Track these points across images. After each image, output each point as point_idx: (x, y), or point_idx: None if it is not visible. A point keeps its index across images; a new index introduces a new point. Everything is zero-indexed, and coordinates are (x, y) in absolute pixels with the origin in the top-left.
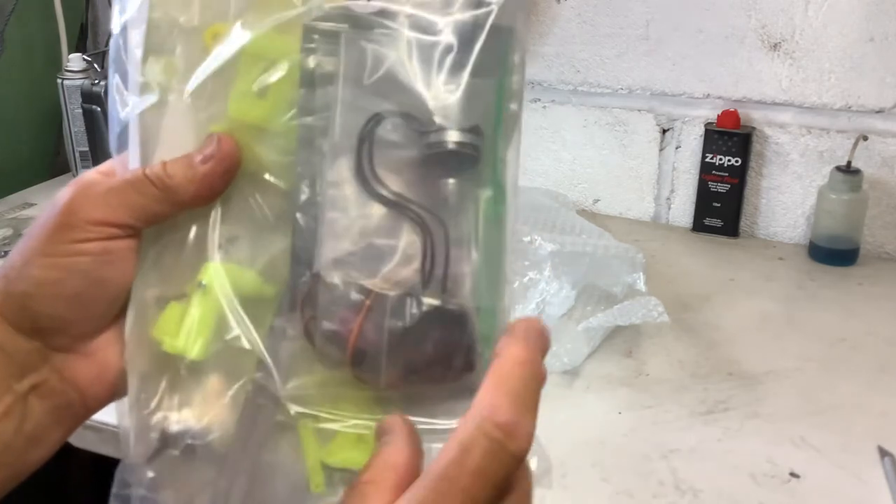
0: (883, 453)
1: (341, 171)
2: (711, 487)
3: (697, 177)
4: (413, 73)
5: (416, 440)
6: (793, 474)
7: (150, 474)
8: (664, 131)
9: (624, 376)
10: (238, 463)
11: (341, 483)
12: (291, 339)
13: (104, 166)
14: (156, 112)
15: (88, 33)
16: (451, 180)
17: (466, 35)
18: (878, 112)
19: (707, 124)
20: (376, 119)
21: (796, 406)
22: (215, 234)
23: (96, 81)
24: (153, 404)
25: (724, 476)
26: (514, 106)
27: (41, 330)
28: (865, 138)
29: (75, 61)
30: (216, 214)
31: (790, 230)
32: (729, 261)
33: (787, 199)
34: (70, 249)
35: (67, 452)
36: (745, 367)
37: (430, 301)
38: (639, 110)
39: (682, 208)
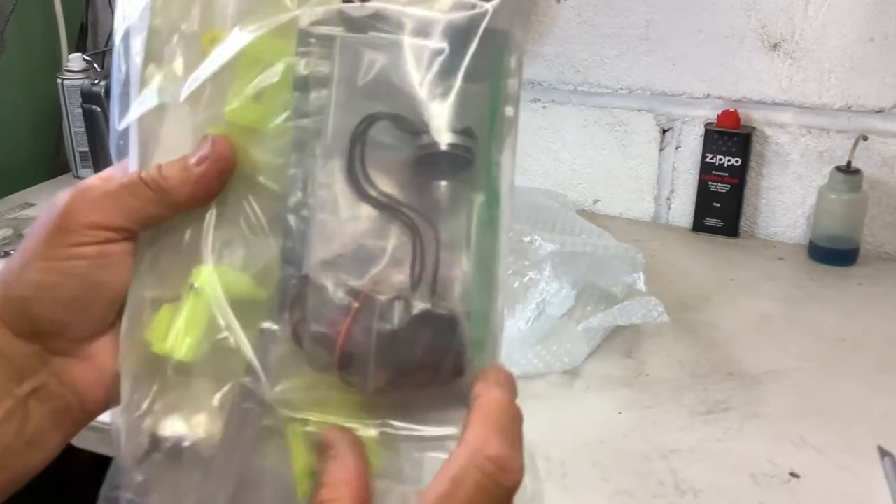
0: (883, 453)
1: (333, 173)
2: (711, 487)
3: (697, 177)
4: (407, 76)
5: (359, 448)
6: (793, 474)
7: (140, 477)
8: (664, 131)
9: (624, 376)
10: (225, 467)
11: None
12: (280, 341)
13: (105, 172)
14: (155, 117)
15: (88, 33)
16: (444, 183)
17: (460, 38)
18: (878, 112)
19: (707, 124)
20: (368, 120)
21: (796, 406)
22: (209, 238)
23: (96, 81)
24: (144, 406)
25: (724, 476)
26: (510, 109)
27: (40, 334)
28: (865, 138)
29: (75, 61)
30: (211, 217)
31: (790, 230)
32: (729, 261)
33: (787, 199)
34: (67, 253)
35: (68, 452)
36: (745, 367)
37: (418, 304)
38: (639, 110)
39: (682, 208)
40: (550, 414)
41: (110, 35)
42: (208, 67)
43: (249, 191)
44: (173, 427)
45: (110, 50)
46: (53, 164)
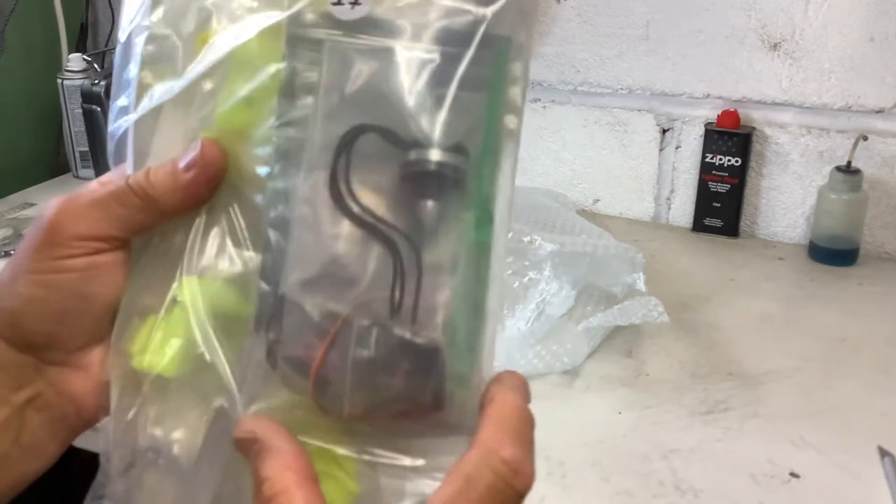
0: (883, 453)
1: (315, 187)
2: (711, 487)
3: (697, 177)
4: (397, 85)
5: (284, 431)
6: (793, 474)
7: (123, 487)
8: (664, 131)
9: (624, 376)
10: (202, 484)
11: None
12: (258, 361)
13: (105, 177)
14: (150, 119)
15: (88, 33)
16: (430, 203)
17: (456, 44)
18: (878, 112)
19: (707, 124)
20: (354, 132)
21: (796, 406)
22: (196, 247)
23: (96, 81)
24: (130, 416)
25: (724, 476)
26: (512, 120)
27: (32, 345)
28: (865, 138)
29: (75, 61)
30: (200, 224)
31: (790, 230)
32: (729, 261)
33: (787, 199)
34: (55, 266)
35: (69, 452)
36: (745, 367)
37: (397, 332)
38: (639, 110)
39: (682, 208)
40: (550, 414)
41: (110, 35)
42: (198, 67)
43: (235, 199)
44: (156, 438)
45: (110, 50)
46: (53, 164)
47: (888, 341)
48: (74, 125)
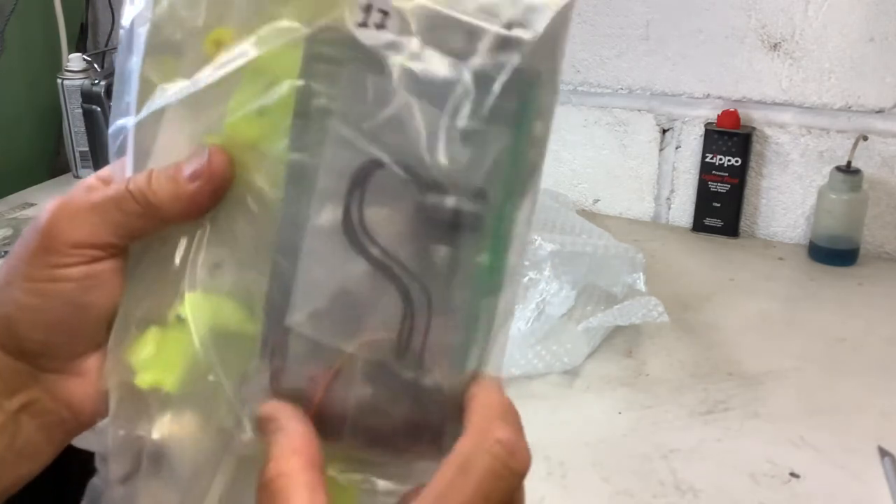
0: (883, 453)
1: (327, 218)
2: (711, 487)
3: (697, 177)
4: (419, 118)
5: (302, 417)
6: (793, 474)
7: (121, 495)
8: (664, 131)
9: (624, 376)
10: (203, 495)
11: None
12: (263, 387)
13: (103, 172)
14: (154, 118)
15: (88, 33)
16: (444, 247)
17: (484, 79)
18: (878, 112)
19: (707, 124)
20: (371, 166)
21: (796, 406)
22: (199, 258)
23: (96, 81)
24: (130, 425)
25: (724, 476)
26: (535, 157)
27: (27, 352)
28: (865, 138)
29: (75, 61)
30: (203, 234)
31: (790, 230)
32: (729, 261)
33: (787, 199)
34: (51, 275)
35: (68, 451)
36: (745, 367)
37: (402, 374)
38: (639, 110)
39: (682, 208)
40: (550, 414)
41: (110, 35)
42: (211, 74)
43: (243, 213)
44: (156, 447)
45: (110, 50)
46: (53, 164)
47: (888, 341)
48: (74, 125)
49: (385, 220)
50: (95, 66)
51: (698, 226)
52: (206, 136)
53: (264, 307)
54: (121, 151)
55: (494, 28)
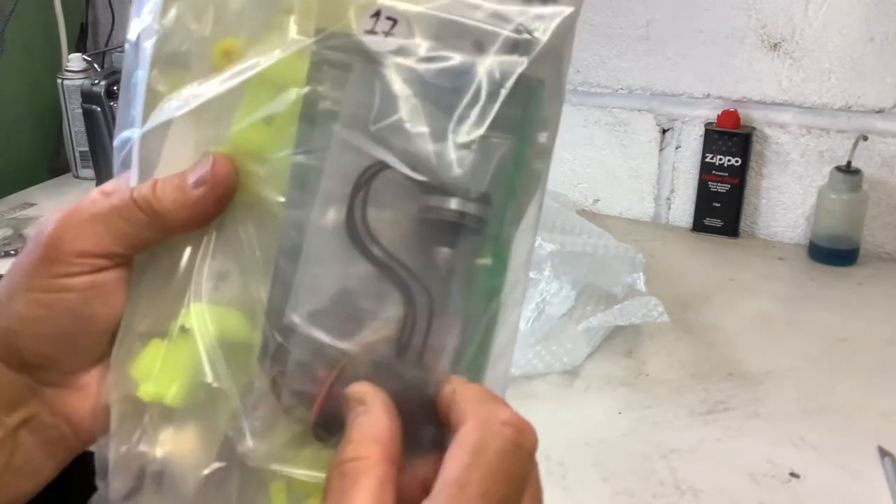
0: (883, 453)
1: (331, 219)
2: (711, 487)
3: (697, 177)
4: (424, 122)
5: (392, 408)
6: (793, 474)
7: None
8: (664, 131)
9: (624, 376)
10: None
11: None
12: (266, 392)
13: (108, 186)
14: (160, 129)
15: (88, 33)
16: (446, 250)
17: (489, 86)
18: (878, 112)
19: (707, 124)
20: (375, 168)
21: (796, 406)
22: (205, 268)
23: (96, 81)
24: (132, 441)
25: (724, 476)
26: (540, 164)
27: (28, 365)
28: (865, 138)
29: (75, 61)
30: (209, 244)
31: (790, 230)
32: (729, 261)
33: (787, 199)
34: (54, 285)
35: (69, 466)
36: (745, 367)
37: (403, 373)
38: (639, 110)
39: (682, 208)
40: (550, 414)
41: (110, 35)
42: (219, 86)
43: (249, 222)
44: (159, 463)
45: (110, 50)
46: (53, 164)
47: (888, 341)
48: (74, 125)
49: (388, 222)
50: (95, 66)
51: (698, 226)
52: (212, 146)
53: (266, 309)
54: (126, 164)
55: (501, 35)
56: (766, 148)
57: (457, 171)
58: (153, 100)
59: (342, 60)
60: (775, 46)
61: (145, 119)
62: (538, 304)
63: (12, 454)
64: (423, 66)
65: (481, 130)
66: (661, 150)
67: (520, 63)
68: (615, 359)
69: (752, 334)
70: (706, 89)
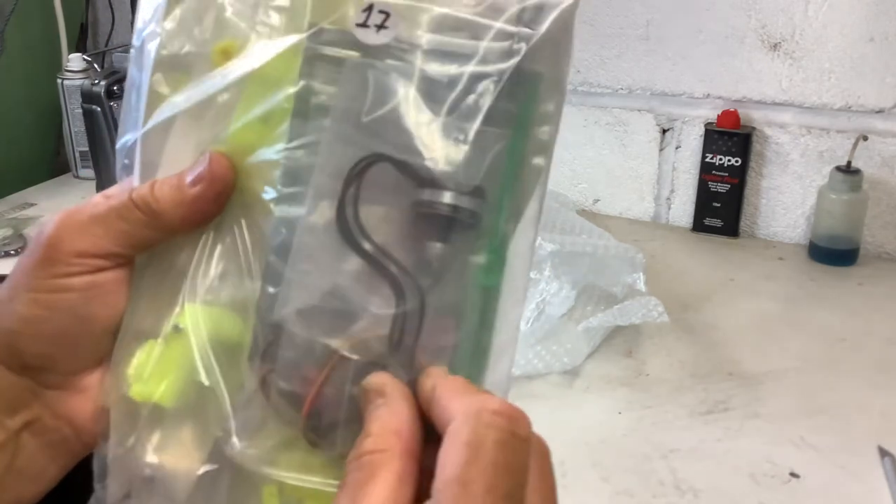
0: (883, 453)
1: (321, 215)
2: (711, 487)
3: (697, 177)
4: (417, 115)
5: (412, 401)
6: (793, 474)
7: None
8: (664, 131)
9: (624, 376)
10: None
11: None
12: (253, 390)
13: (110, 191)
14: (161, 131)
15: (88, 33)
16: (440, 245)
17: (484, 79)
18: (878, 112)
19: (707, 124)
20: (367, 161)
21: (796, 406)
22: (201, 269)
23: (96, 81)
24: (127, 445)
25: (724, 476)
26: (539, 160)
27: (29, 367)
28: (865, 138)
29: (75, 61)
30: (206, 244)
31: (790, 230)
32: (729, 261)
33: (787, 199)
34: (54, 285)
35: (71, 470)
36: (745, 367)
37: (395, 372)
38: (639, 110)
39: (682, 208)
40: (550, 414)
41: (110, 35)
42: (217, 83)
43: (246, 221)
44: (154, 467)
45: (110, 50)
46: (53, 164)
47: (888, 341)
48: (74, 125)
49: (380, 217)
50: (95, 66)
51: (698, 226)
52: (212, 146)
53: (256, 308)
54: (128, 169)
55: (496, 27)
56: (766, 148)
57: (450, 164)
58: (155, 100)
59: (335, 55)
60: (775, 46)
61: (146, 119)
62: (538, 304)
63: (14, 457)
64: (416, 60)
65: (476, 124)
66: (661, 150)
67: (515, 56)
68: (615, 359)
69: (751, 334)
70: (706, 89)
